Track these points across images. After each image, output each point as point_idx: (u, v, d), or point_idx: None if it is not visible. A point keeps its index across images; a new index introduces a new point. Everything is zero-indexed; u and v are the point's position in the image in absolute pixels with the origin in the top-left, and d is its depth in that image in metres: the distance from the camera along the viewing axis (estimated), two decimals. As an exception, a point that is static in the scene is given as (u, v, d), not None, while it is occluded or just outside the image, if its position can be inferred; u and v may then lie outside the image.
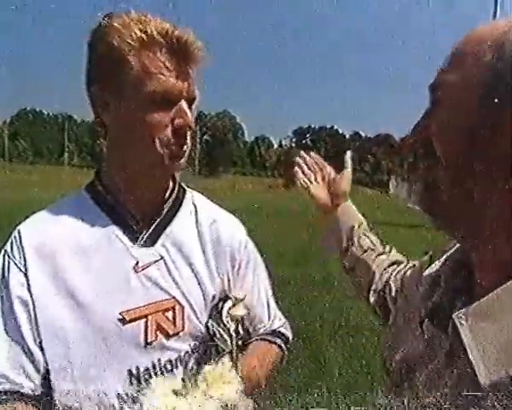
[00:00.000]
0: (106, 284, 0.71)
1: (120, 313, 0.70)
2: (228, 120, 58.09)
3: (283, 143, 70.37)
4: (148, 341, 0.72)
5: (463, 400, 0.44)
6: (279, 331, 0.91)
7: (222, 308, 0.77)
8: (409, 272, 0.77)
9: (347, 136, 62.41)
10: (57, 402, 0.67)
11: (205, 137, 54.96)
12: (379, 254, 0.85)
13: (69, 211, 0.75)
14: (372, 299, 0.83)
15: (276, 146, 70.43)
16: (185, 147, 0.73)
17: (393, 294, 0.78)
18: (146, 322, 0.72)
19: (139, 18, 0.69)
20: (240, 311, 0.76)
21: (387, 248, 0.87)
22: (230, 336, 0.76)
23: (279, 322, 0.92)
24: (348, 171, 0.92)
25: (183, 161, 0.74)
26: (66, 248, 0.71)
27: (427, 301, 0.56)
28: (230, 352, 0.75)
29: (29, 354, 0.67)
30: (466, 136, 0.44)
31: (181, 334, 0.74)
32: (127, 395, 0.70)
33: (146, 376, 0.71)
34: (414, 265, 0.77)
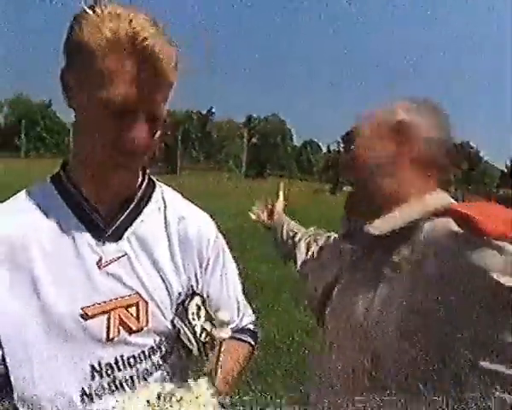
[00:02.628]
0: (69, 280, 0.69)
1: (82, 309, 0.68)
2: (277, 123, 58.45)
3: (331, 147, 69.53)
4: (111, 336, 0.70)
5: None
6: (248, 329, 0.91)
7: (188, 305, 0.76)
8: (324, 236, 1.15)
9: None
10: (16, 398, 0.65)
11: (253, 139, 55.60)
12: (302, 233, 1.22)
13: (33, 203, 0.72)
14: (299, 263, 1.13)
15: (324, 151, 69.65)
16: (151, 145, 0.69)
17: (315, 250, 1.11)
18: (108, 318, 0.70)
19: (116, 14, 0.63)
20: (225, 333, 0.72)
21: (311, 228, 1.25)
22: (195, 333, 0.75)
23: (248, 319, 0.92)
24: (280, 200, 1.42)
25: (147, 157, 0.72)
26: (28, 242, 0.68)
27: (342, 240, 0.91)
28: (199, 350, 0.74)
29: None
30: (372, 167, 0.80)
31: (145, 330, 0.73)
32: (90, 390, 0.68)
33: (109, 371, 0.70)
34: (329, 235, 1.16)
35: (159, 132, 0.70)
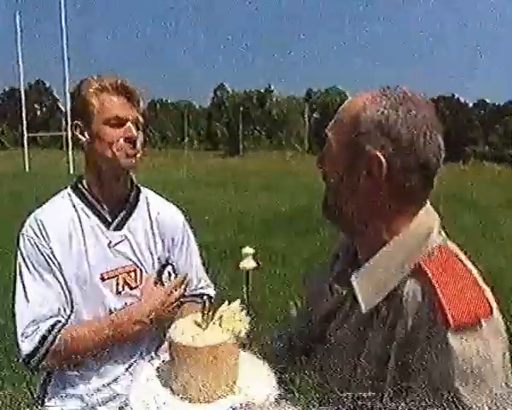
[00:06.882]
0: (92, 256, 1.14)
1: (101, 274, 1.14)
2: (337, 95, 56.61)
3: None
4: (119, 291, 1.16)
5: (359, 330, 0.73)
6: (203, 293, 1.35)
7: (162, 272, 1.24)
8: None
9: (471, 105, 54.46)
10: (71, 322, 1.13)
11: (314, 114, 54.31)
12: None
13: (64, 206, 1.17)
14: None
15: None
16: (136, 150, 1.15)
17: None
18: (117, 279, 1.16)
19: (100, 78, 1.15)
20: (250, 264, 0.92)
21: None
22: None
23: (204, 283, 1.37)
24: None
25: (135, 160, 1.16)
26: (68, 233, 1.13)
27: (332, 272, 0.85)
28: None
29: (64, 295, 1.12)
30: (340, 167, 0.72)
31: (140, 286, 1.18)
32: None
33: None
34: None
35: (141, 136, 1.19)
